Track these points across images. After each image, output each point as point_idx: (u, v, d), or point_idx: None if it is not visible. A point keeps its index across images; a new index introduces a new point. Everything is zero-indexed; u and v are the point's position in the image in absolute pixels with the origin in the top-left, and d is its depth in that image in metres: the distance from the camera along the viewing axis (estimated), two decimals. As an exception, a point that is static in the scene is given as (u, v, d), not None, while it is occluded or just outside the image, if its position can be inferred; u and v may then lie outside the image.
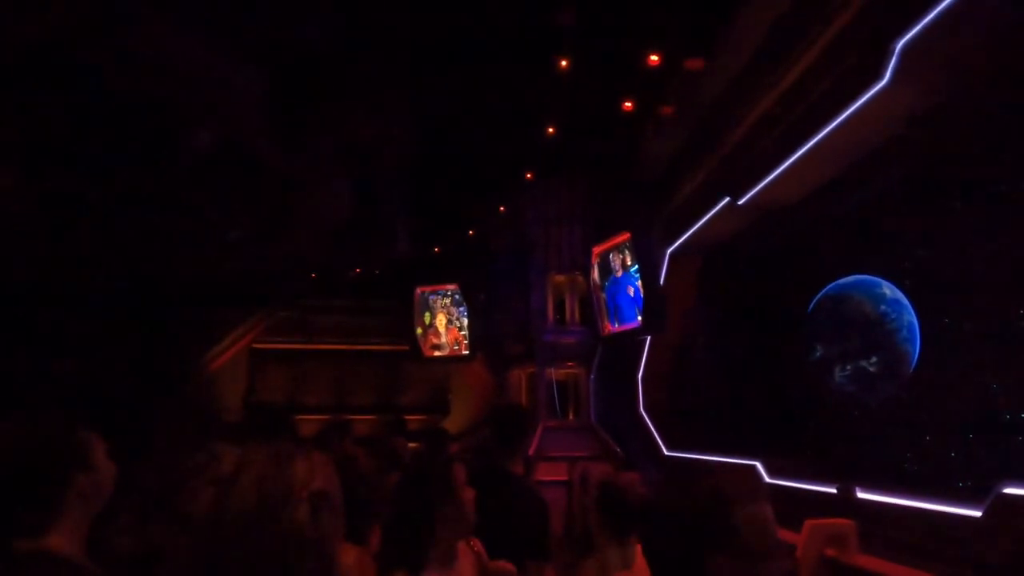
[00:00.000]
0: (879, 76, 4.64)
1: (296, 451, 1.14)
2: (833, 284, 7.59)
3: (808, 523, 4.10)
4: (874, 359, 6.94)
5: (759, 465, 6.23)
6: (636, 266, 8.34)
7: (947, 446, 5.79)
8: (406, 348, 12.10)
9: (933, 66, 4.54)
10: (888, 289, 6.81)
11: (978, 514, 3.72)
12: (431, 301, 11.66)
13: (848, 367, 7.29)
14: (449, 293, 11.50)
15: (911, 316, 6.48)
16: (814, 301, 7.84)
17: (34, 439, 1.46)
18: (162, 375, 11.73)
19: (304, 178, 8.34)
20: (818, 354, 7.75)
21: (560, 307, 10.44)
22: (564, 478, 9.06)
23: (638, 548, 2.68)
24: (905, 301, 6.56)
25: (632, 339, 9.00)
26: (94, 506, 1.52)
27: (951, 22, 4.14)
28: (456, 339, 11.43)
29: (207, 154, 7.12)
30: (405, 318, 11.93)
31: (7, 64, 5.38)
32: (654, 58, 6.62)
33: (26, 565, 1.33)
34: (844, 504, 4.75)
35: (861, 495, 4.77)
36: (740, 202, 7.05)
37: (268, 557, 1.03)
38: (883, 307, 6.85)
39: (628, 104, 7.67)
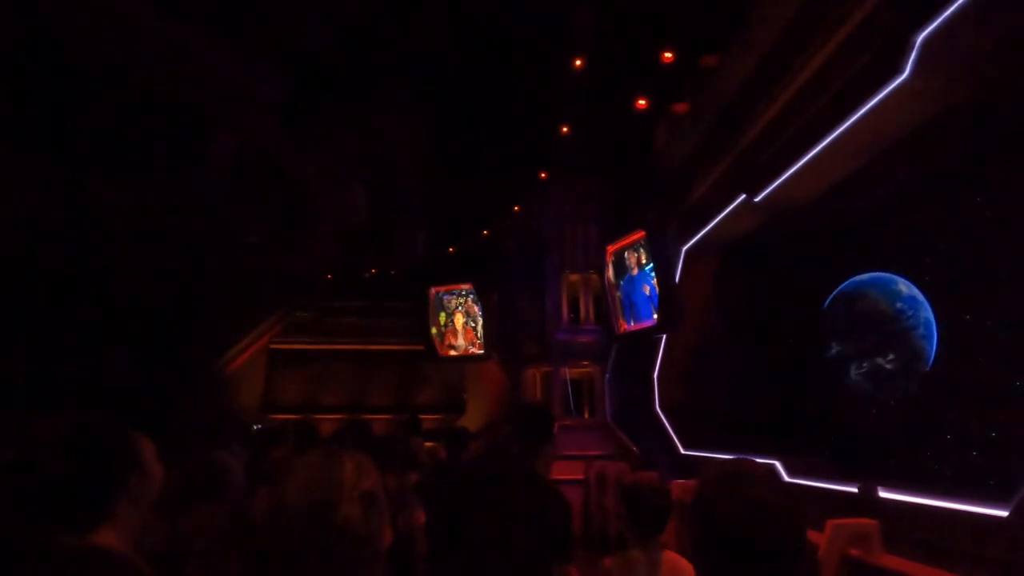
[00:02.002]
0: (899, 70, 4.58)
1: (344, 453, 1.18)
2: (849, 281, 7.53)
3: (831, 523, 4.07)
4: (891, 356, 6.88)
5: (778, 464, 6.19)
6: (651, 264, 8.31)
7: (969, 444, 5.73)
8: (422, 348, 12.15)
9: (954, 59, 4.48)
10: (904, 286, 6.75)
11: (1005, 514, 3.67)
12: (445, 301, 11.68)
13: (865, 365, 7.23)
14: (464, 293, 11.52)
15: (928, 313, 6.42)
16: (830, 298, 7.79)
17: (89, 438, 1.49)
18: (181, 375, 11.83)
19: (320, 180, 8.38)
20: (834, 352, 7.69)
21: (575, 306, 10.42)
22: (580, 477, 9.06)
23: (665, 553, 2.67)
24: (921, 298, 6.50)
25: (648, 338, 8.96)
26: (143, 506, 1.56)
27: (973, 14, 4.09)
28: (471, 339, 11.45)
29: (227, 156, 7.18)
30: (420, 318, 11.98)
31: (40, 69, 5.46)
32: (668, 55, 6.60)
33: (76, 561, 1.36)
34: (866, 504, 4.71)
35: (883, 495, 4.73)
36: (756, 199, 7.00)
37: (321, 554, 1.07)
38: (899, 304, 6.79)
39: (642, 102, 7.66)
